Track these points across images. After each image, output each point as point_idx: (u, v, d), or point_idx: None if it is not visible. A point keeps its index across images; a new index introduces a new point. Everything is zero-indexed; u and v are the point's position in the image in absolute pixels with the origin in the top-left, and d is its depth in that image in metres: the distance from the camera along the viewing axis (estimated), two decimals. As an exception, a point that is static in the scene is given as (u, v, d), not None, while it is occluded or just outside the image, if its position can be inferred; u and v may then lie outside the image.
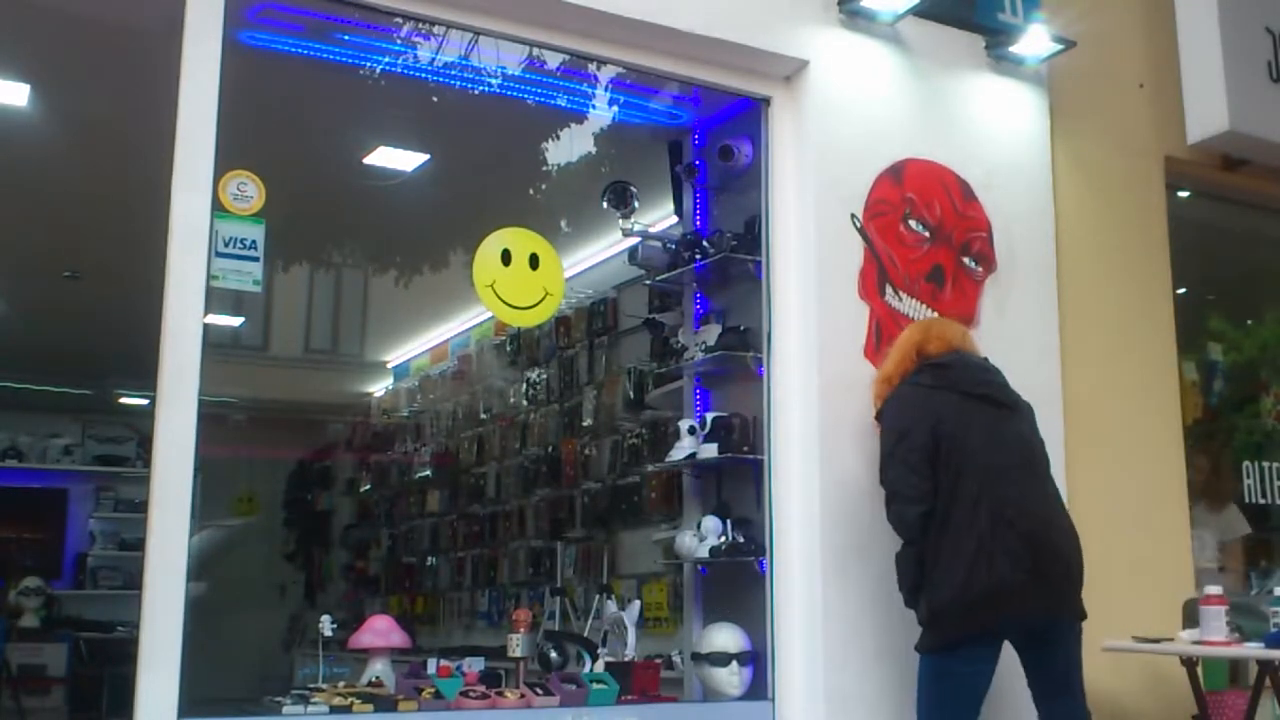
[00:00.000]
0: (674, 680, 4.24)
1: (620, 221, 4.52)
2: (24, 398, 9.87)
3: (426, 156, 5.53)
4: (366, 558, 8.81)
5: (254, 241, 3.34)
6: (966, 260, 4.37)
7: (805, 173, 4.15)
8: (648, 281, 4.83)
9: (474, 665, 3.61)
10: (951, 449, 3.45)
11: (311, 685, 3.37)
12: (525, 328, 6.48)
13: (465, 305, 7.15)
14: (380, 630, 3.66)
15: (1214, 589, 4.10)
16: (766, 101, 4.26)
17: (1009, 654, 3.53)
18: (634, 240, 4.61)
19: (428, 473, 7.93)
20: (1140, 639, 4.19)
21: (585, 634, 4.31)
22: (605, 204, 4.49)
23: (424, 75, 4.19)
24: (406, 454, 8.30)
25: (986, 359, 3.79)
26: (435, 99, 4.52)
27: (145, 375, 3.25)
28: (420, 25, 3.91)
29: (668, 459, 4.45)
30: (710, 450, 4.17)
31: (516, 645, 3.72)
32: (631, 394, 5.63)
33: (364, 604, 8.36)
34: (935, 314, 4.24)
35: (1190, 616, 4.18)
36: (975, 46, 4.55)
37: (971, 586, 3.33)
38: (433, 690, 3.43)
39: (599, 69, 4.27)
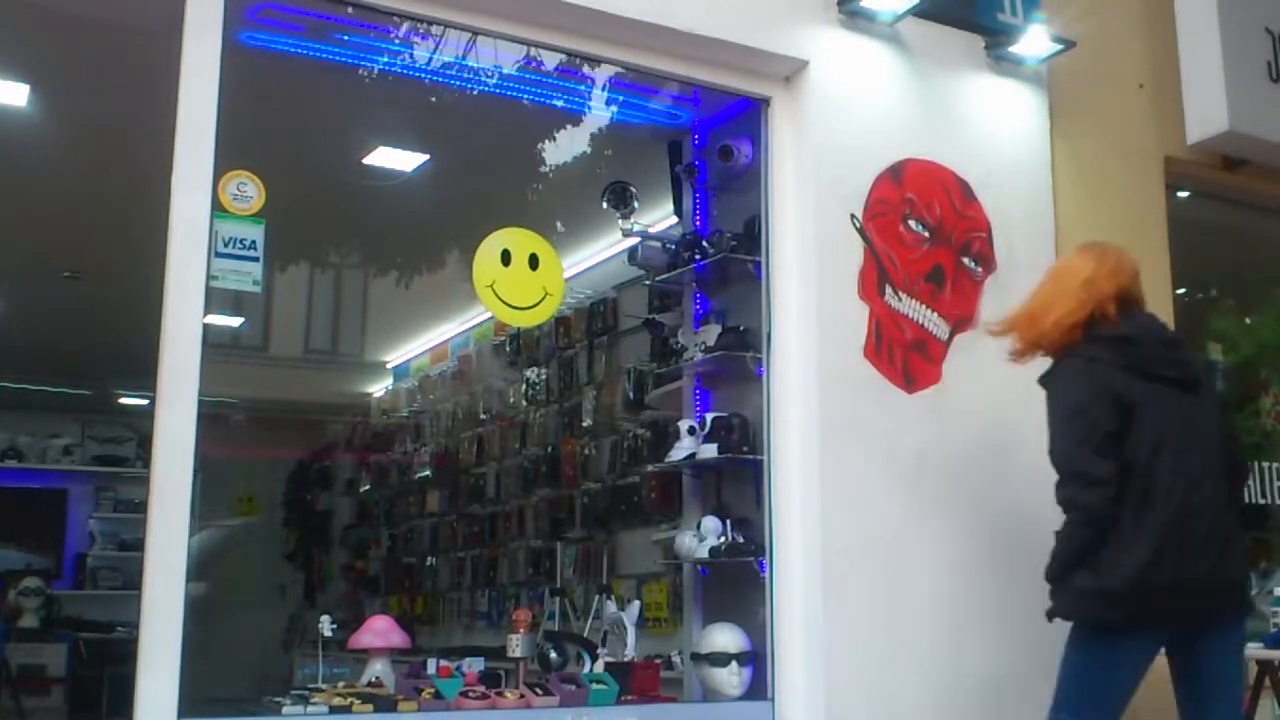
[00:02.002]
0: (674, 680, 4.23)
1: (620, 222, 4.53)
2: (24, 398, 9.87)
3: (426, 156, 5.53)
4: (366, 558, 8.81)
5: (254, 241, 3.34)
6: (966, 260, 4.37)
7: (805, 173, 4.15)
8: (647, 282, 4.83)
9: (474, 665, 3.60)
10: (1139, 434, 3.23)
11: (311, 685, 3.37)
12: (525, 328, 6.48)
13: (465, 305, 7.15)
14: (380, 630, 3.66)
15: (1214, 589, 4.10)
16: (766, 102, 4.26)
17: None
18: (634, 240, 4.61)
19: (427, 473, 7.92)
20: (1140, 639, 4.18)
21: (585, 634, 4.31)
22: (605, 204, 4.50)
23: (423, 75, 4.19)
24: (406, 454, 8.29)
25: (1164, 325, 3.58)
26: (434, 99, 4.52)
27: (145, 375, 3.24)
28: (418, 25, 3.91)
29: (668, 459, 4.45)
30: (710, 450, 4.17)
31: (516, 645, 3.72)
32: (631, 394, 5.63)
33: (364, 604, 8.36)
34: (936, 314, 4.24)
35: (1190, 616, 4.18)
36: (975, 46, 4.55)
37: (1150, 575, 3.17)
38: (432, 690, 3.43)
39: (598, 69, 4.27)
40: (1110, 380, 3.28)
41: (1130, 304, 3.45)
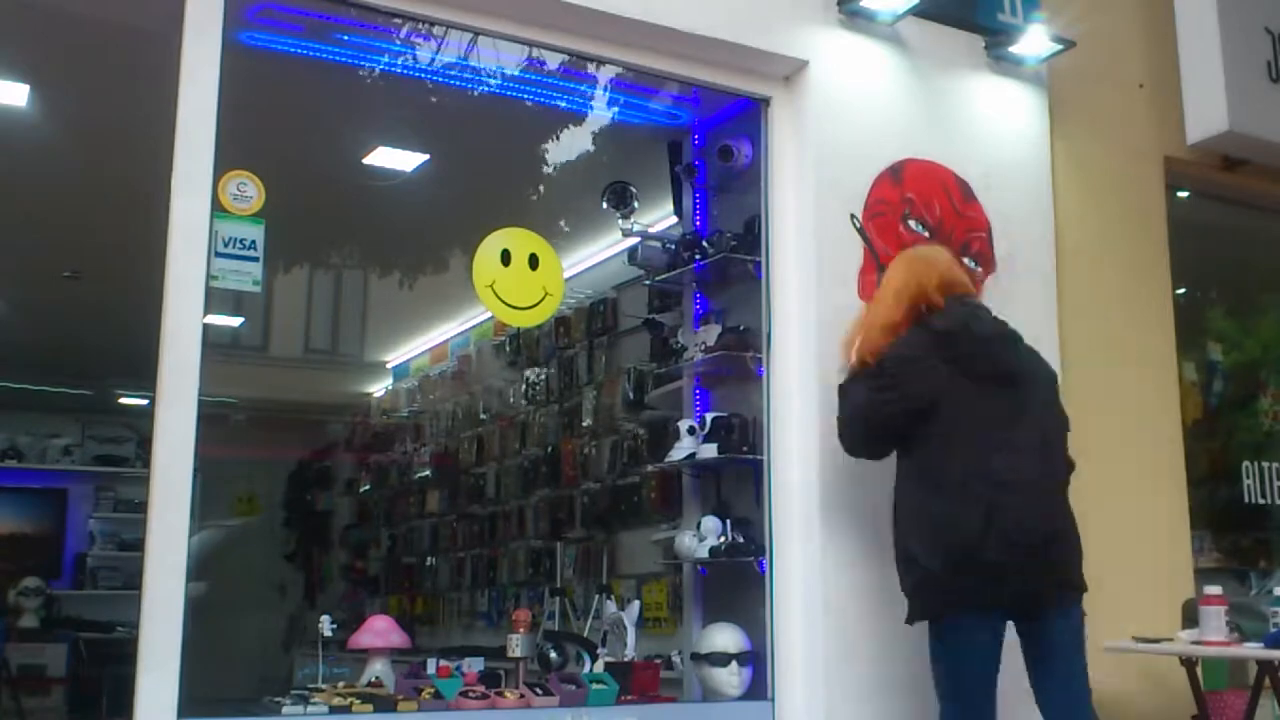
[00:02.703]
0: (674, 680, 4.23)
1: (620, 221, 4.53)
2: (24, 398, 9.86)
3: (426, 157, 5.53)
4: (366, 558, 8.81)
5: (254, 242, 3.34)
6: (966, 260, 4.36)
7: (805, 173, 4.15)
8: (647, 281, 4.83)
9: (473, 665, 3.60)
10: (945, 425, 3.30)
11: (311, 685, 3.37)
12: (525, 328, 6.48)
13: (465, 305, 7.15)
14: (380, 630, 3.66)
15: (1214, 589, 4.10)
16: (766, 102, 4.26)
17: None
18: (634, 240, 4.62)
19: (427, 473, 7.92)
20: (1140, 639, 4.19)
21: (585, 634, 4.31)
22: (605, 204, 4.50)
23: (423, 75, 4.19)
24: (406, 454, 8.30)
25: (993, 316, 3.54)
26: (434, 99, 4.52)
27: (145, 375, 3.24)
28: (419, 25, 3.91)
29: (667, 459, 4.45)
30: (710, 450, 4.17)
31: (516, 645, 3.72)
32: (631, 394, 5.63)
33: (364, 604, 8.36)
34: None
35: (1190, 616, 4.19)
36: (975, 46, 4.56)
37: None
38: (432, 690, 3.43)
39: (598, 69, 4.27)
40: (929, 371, 3.40)
41: (962, 303, 3.53)
